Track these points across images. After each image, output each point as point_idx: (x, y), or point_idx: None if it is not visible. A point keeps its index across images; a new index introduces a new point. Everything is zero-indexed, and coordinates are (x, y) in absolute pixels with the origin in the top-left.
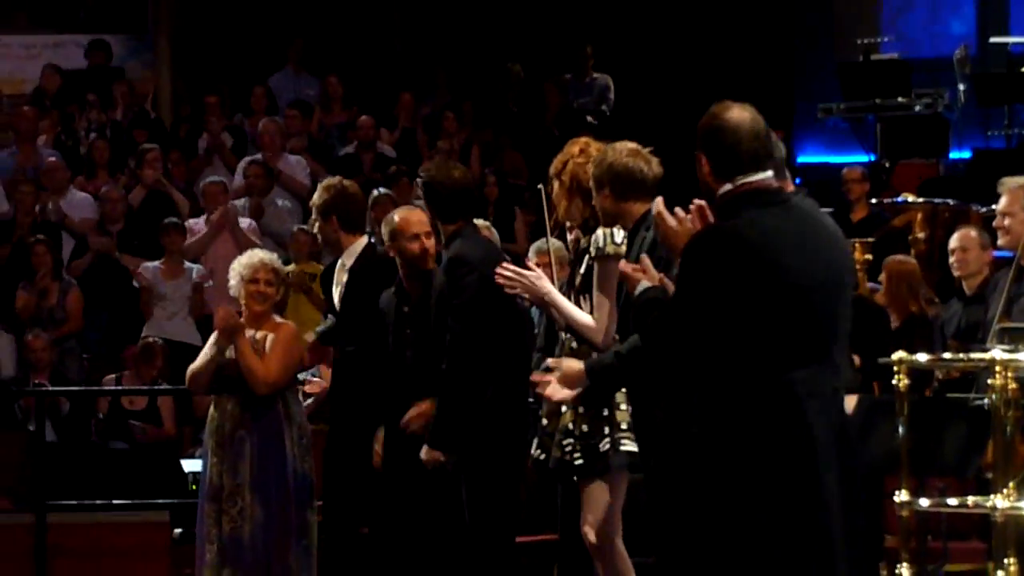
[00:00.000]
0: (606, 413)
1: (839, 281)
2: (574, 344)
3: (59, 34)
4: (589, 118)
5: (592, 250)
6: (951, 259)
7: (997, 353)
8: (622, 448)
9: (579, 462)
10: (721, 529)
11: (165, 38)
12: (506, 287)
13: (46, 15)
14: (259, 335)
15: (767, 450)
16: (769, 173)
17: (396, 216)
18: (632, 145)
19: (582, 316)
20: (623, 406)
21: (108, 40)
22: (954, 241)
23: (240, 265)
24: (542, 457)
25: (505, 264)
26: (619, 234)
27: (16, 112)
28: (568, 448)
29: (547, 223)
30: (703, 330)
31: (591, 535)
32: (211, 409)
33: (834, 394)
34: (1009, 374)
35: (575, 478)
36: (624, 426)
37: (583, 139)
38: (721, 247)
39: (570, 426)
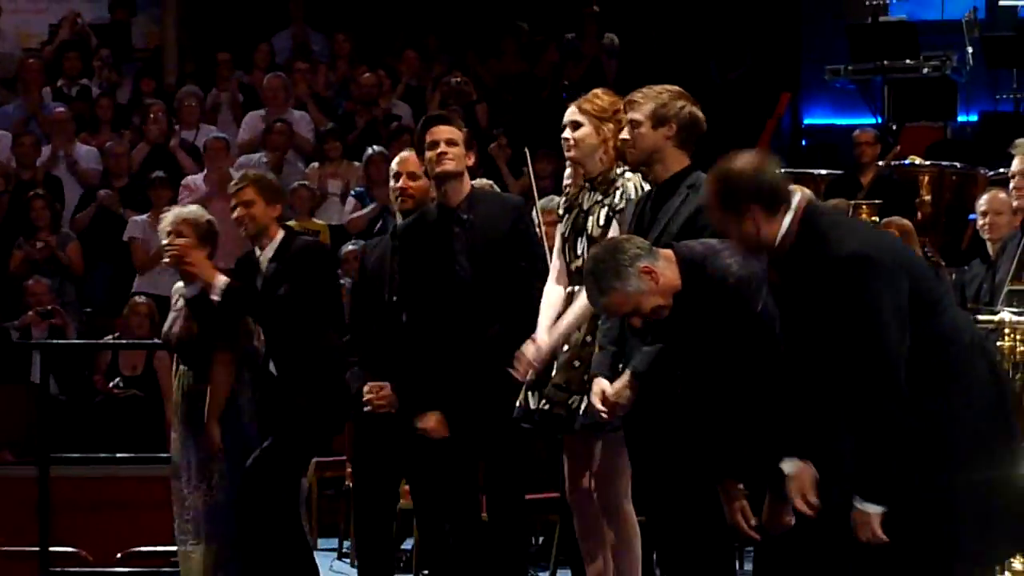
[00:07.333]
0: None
1: None
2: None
3: None
4: None
5: (621, 201)
6: (980, 222)
7: (1006, 315)
8: None
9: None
10: None
11: None
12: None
13: None
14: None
15: None
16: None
17: None
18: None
19: (577, 315)
20: None
21: None
22: (984, 204)
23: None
24: (546, 408)
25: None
26: (645, 186)
27: (23, 64)
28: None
29: (533, 184)
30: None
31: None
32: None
33: None
34: (1018, 336)
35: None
36: None
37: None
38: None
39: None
